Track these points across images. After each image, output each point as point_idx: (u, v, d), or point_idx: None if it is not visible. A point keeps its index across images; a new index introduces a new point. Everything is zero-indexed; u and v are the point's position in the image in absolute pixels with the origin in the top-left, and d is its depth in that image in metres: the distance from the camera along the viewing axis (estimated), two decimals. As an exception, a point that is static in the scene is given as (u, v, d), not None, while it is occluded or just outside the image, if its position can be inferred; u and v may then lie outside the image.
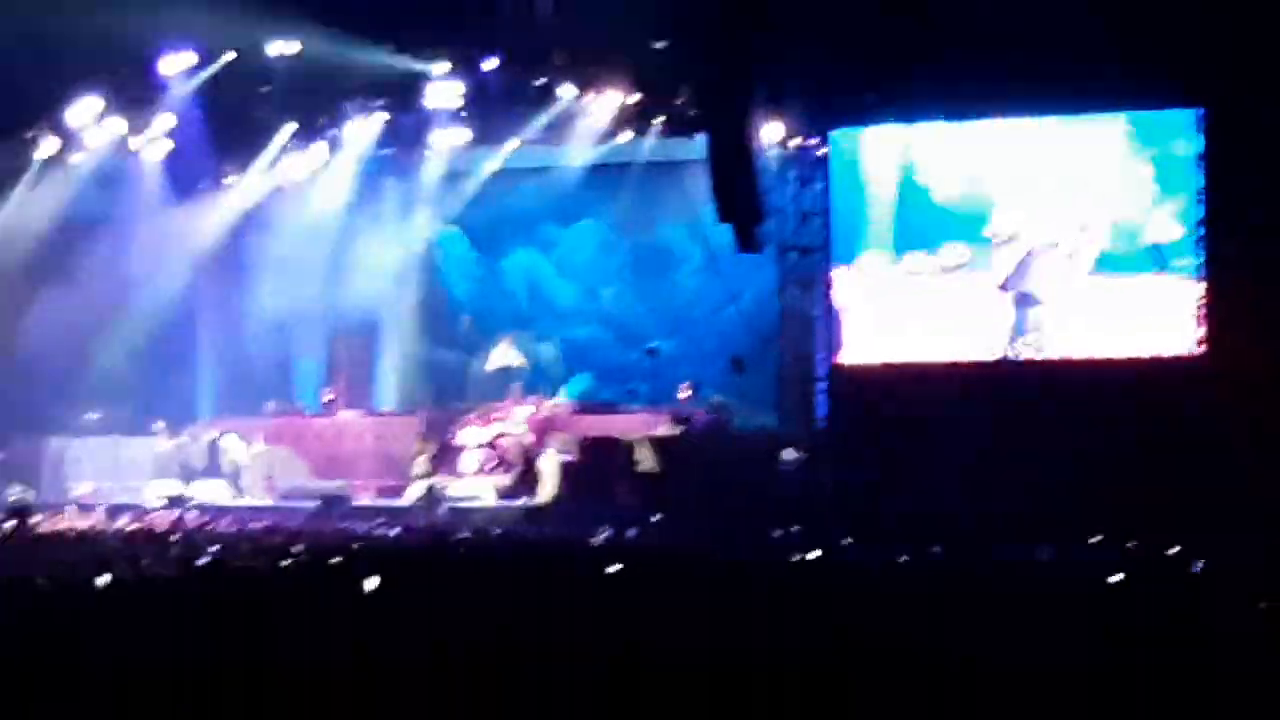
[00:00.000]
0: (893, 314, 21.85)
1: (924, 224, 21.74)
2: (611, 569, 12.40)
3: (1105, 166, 21.10)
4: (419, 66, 23.77)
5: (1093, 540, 15.92)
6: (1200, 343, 20.38)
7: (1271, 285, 19.77)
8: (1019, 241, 21.36)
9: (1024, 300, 21.38)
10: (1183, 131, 20.65)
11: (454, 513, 21.85)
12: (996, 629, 8.75)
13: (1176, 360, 20.47)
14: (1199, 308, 20.39)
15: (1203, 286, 20.40)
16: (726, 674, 7.60)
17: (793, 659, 8.00)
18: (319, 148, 26.08)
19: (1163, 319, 20.63)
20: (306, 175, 26.49)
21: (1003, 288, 21.40)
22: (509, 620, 9.27)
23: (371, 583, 10.99)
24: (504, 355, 25.83)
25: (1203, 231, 20.42)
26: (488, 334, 27.12)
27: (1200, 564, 13.33)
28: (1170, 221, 20.67)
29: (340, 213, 27.10)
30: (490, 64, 23.55)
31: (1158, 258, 20.72)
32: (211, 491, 24.44)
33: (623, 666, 7.83)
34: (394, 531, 18.72)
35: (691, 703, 7.24)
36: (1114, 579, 11.69)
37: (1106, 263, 20.95)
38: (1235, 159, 20.00)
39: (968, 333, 21.58)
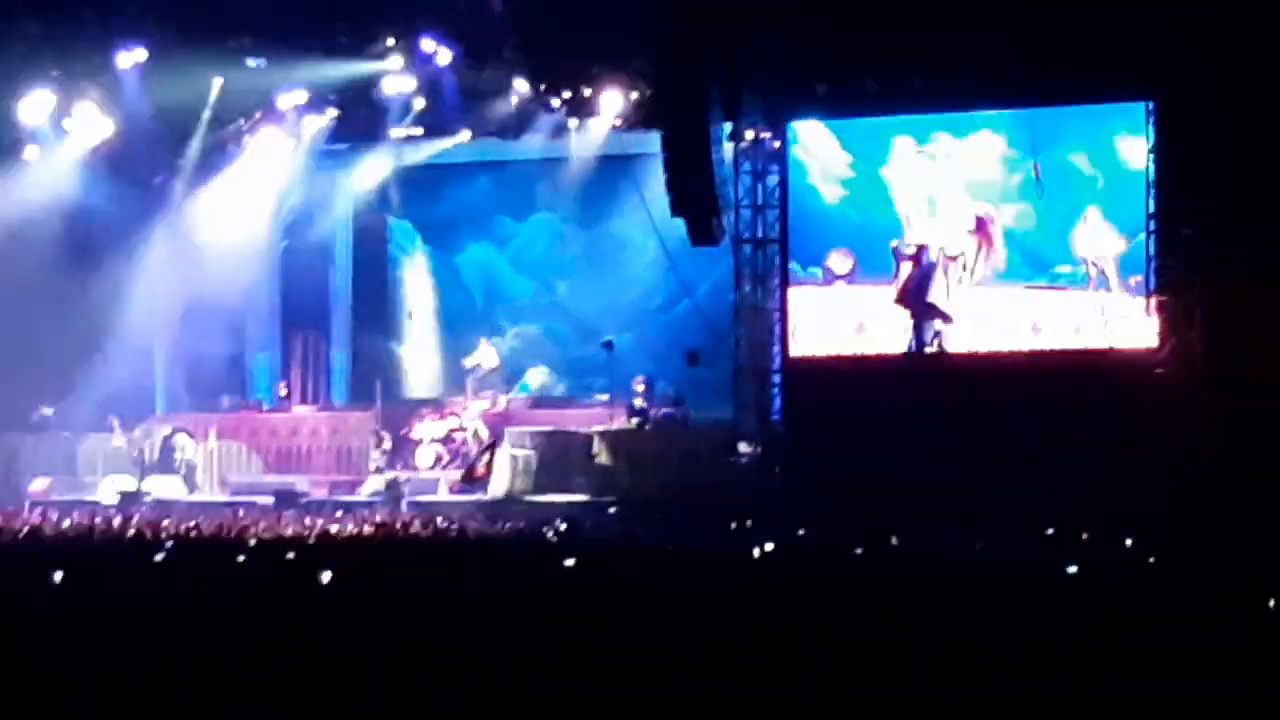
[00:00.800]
0: (832, 311, 21.90)
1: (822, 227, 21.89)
2: (568, 562, 12.40)
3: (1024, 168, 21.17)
4: (372, 62, 23.73)
5: (1048, 532, 16.00)
6: (1156, 335, 20.46)
7: (1223, 280, 19.86)
8: (925, 253, 21.43)
9: (926, 312, 21.44)
10: (1127, 126, 20.69)
11: (411, 507, 21.80)
12: (954, 621, 8.78)
13: (1130, 354, 20.54)
14: (1150, 300, 20.47)
15: (1153, 282, 20.50)
16: (687, 666, 7.60)
17: (750, 651, 8.02)
18: (273, 141, 25.98)
19: (1103, 320, 20.74)
20: (257, 169, 26.40)
21: (900, 301, 21.49)
22: (467, 614, 9.27)
23: (325, 576, 10.95)
24: (483, 354, 25.78)
25: (1154, 226, 20.50)
26: (449, 329, 27.04)
27: (1152, 558, 13.40)
28: (1107, 224, 20.78)
29: (293, 207, 27.07)
30: (444, 58, 23.51)
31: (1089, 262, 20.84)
32: (166, 487, 24.30)
33: (582, 659, 7.83)
34: (350, 526, 18.66)
35: (655, 696, 7.24)
36: (1070, 570, 11.74)
37: (1027, 268, 21.05)
38: (1186, 149, 20.06)
39: (883, 336, 21.69)
